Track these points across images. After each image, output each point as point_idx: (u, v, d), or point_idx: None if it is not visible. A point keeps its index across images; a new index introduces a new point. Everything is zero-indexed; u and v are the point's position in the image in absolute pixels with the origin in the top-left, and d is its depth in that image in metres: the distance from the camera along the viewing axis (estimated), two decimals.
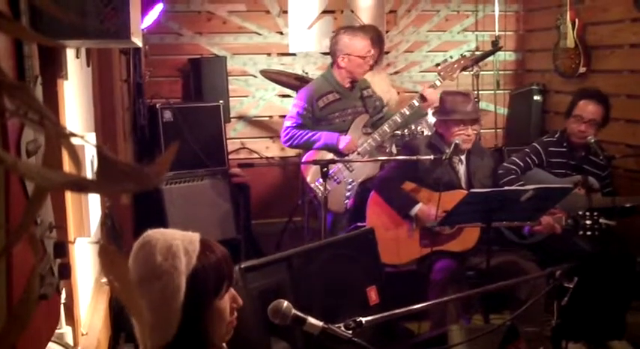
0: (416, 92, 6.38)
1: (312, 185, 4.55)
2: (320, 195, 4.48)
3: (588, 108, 4.29)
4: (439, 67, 4.77)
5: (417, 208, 4.00)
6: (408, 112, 4.55)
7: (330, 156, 4.53)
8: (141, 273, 1.59)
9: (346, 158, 4.52)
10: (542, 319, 3.79)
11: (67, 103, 2.38)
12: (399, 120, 4.56)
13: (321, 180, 4.25)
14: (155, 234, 1.64)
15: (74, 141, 0.61)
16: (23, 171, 0.55)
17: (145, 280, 1.58)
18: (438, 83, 4.63)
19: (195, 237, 1.65)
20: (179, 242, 1.61)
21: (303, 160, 4.66)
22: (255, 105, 6.18)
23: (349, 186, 4.51)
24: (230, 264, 1.70)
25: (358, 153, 4.53)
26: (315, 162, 4.35)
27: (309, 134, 4.57)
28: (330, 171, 4.41)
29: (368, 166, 4.62)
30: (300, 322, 1.82)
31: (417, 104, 4.54)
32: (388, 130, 4.57)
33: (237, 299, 1.72)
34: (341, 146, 4.50)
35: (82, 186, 0.56)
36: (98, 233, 2.70)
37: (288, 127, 4.62)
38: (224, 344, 1.77)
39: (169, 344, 1.59)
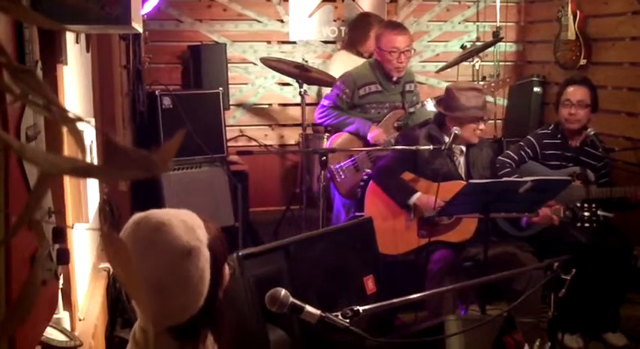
0: (417, 82, 6.39)
1: (332, 166, 4.63)
2: (337, 178, 4.57)
3: (575, 92, 4.32)
4: (484, 83, 4.89)
5: (415, 197, 4.00)
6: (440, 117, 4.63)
7: (355, 143, 4.69)
8: (170, 257, 1.57)
9: (347, 148, 4.62)
10: (538, 310, 3.80)
11: (67, 89, 2.38)
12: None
13: (341, 164, 4.34)
14: (158, 214, 1.61)
15: (78, 125, 0.60)
16: (29, 157, 0.55)
17: (175, 262, 1.57)
18: None
19: (189, 211, 1.68)
20: (186, 217, 1.63)
21: (329, 140, 4.80)
22: (254, 92, 6.17)
23: (365, 176, 4.56)
24: (221, 231, 1.75)
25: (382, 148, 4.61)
26: (314, 151, 4.40)
27: (344, 116, 4.73)
28: (354, 157, 4.65)
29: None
30: (297, 310, 1.83)
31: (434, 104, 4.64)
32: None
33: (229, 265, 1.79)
34: (370, 135, 4.63)
35: (88, 171, 0.56)
36: (96, 219, 2.70)
37: (325, 106, 4.79)
38: None
39: (196, 312, 1.63)
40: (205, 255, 1.60)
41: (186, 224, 1.60)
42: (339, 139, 4.70)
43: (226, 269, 1.74)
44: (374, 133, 4.62)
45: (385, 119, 4.74)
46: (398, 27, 4.85)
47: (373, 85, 4.76)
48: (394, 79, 4.79)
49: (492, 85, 4.84)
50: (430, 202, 3.92)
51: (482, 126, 4.03)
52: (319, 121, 4.86)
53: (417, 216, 4.05)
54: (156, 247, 1.56)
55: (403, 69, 4.79)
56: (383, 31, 4.79)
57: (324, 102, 4.82)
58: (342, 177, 4.60)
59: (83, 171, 0.56)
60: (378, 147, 4.58)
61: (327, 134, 4.99)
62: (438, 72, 5.83)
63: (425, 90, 6.30)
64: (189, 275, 1.58)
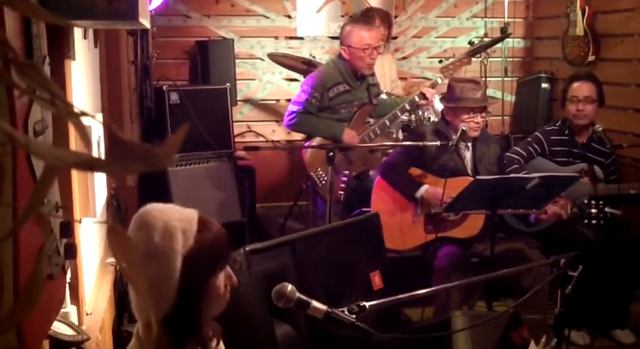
0: (423, 78, 6.38)
1: (312, 173, 4.57)
2: (318, 183, 4.52)
3: (581, 88, 4.32)
4: (441, 66, 4.81)
5: (422, 190, 4.01)
6: (408, 107, 4.58)
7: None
8: (139, 252, 1.62)
9: (338, 153, 4.56)
10: (545, 307, 3.80)
11: (74, 84, 2.38)
12: (399, 114, 4.59)
13: (320, 170, 4.30)
14: (154, 212, 1.65)
15: (83, 120, 0.61)
16: (35, 151, 0.55)
17: (142, 258, 1.61)
18: (439, 81, 4.63)
19: (193, 215, 1.67)
20: (177, 223, 1.63)
21: (304, 147, 4.69)
22: (261, 88, 6.17)
23: (344, 178, 4.52)
24: (226, 243, 1.72)
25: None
26: (321, 147, 4.37)
27: (315, 121, 4.59)
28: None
29: (366, 160, 4.64)
30: (303, 305, 1.83)
31: (417, 100, 4.56)
32: (388, 123, 4.59)
33: (232, 278, 1.75)
34: (344, 138, 4.51)
35: (92, 165, 0.56)
36: (104, 213, 2.71)
37: (294, 112, 4.61)
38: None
39: (166, 318, 1.63)
40: (173, 263, 1.60)
41: (169, 230, 1.61)
42: (313, 143, 4.60)
43: (218, 281, 1.71)
44: (348, 137, 4.51)
45: (355, 117, 4.61)
46: (368, 22, 4.72)
47: (341, 85, 4.63)
48: (359, 74, 4.68)
49: (450, 67, 4.77)
50: (438, 194, 3.91)
51: (478, 118, 4.02)
52: (289, 128, 4.74)
53: (424, 209, 4.05)
54: (135, 240, 1.62)
55: (374, 65, 4.71)
56: (352, 27, 4.62)
57: (293, 108, 4.64)
58: (323, 182, 4.55)
59: (88, 164, 0.56)
60: (388, 144, 4.57)
61: None
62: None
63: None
64: (150, 275, 1.59)
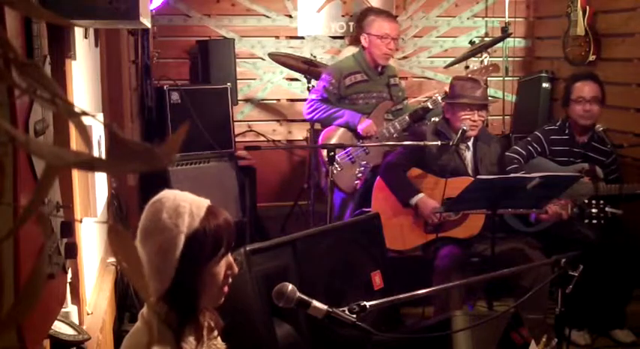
0: (424, 78, 6.38)
1: (327, 158, 4.61)
2: (333, 172, 4.57)
3: (587, 88, 4.30)
4: (467, 70, 4.89)
5: (417, 198, 4.01)
6: (430, 106, 4.62)
7: (349, 135, 4.63)
8: (146, 226, 1.68)
9: (355, 143, 4.60)
10: (545, 307, 3.80)
11: (75, 83, 2.38)
12: (421, 113, 4.64)
13: (336, 157, 4.35)
14: (169, 193, 1.73)
15: (84, 120, 0.61)
16: (34, 150, 0.55)
17: (148, 233, 1.67)
18: None
19: (204, 202, 1.74)
20: (187, 204, 1.69)
21: (322, 134, 4.74)
22: (262, 88, 6.17)
23: (362, 168, 4.55)
24: (231, 232, 1.75)
25: (376, 138, 4.59)
26: (323, 146, 4.39)
27: (333, 109, 4.67)
28: (348, 149, 4.60)
29: (383, 153, 4.66)
30: (304, 305, 1.83)
31: (440, 100, 4.58)
32: (409, 120, 4.64)
33: (232, 267, 1.78)
34: (360, 127, 4.57)
35: (92, 164, 0.56)
36: (104, 213, 2.71)
37: (313, 100, 4.73)
38: (212, 321, 1.82)
39: (162, 297, 1.67)
40: (176, 241, 1.64)
41: (178, 209, 1.67)
42: (330, 133, 4.66)
43: (217, 268, 1.73)
44: (364, 125, 4.58)
45: (376, 110, 4.71)
46: (390, 15, 4.94)
47: (358, 74, 4.74)
48: (379, 69, 4.79)
49: (476, 72, 4.83)
50: (430, 205, 3.94)
51: (475, 116, 4.03)
52: (308, 117, 4.80)
53: (420, 215, 4.05)
54: (144, 215, 1.70)
55: (390, 57, 4.83)
56: (375, 17, 4.79)
57: (312, 96, 4.76)
58: (338, 169, 4.58)
59: (88, 164, 0.57)
60: (388, 143, 4.57)
61: None
62: (446, 67, 5.82)
63: (434, 86, 6.28)
64: (152, 250, 1.65)
